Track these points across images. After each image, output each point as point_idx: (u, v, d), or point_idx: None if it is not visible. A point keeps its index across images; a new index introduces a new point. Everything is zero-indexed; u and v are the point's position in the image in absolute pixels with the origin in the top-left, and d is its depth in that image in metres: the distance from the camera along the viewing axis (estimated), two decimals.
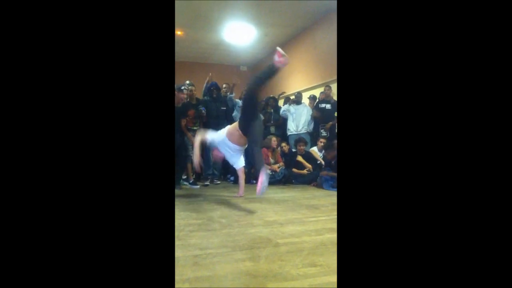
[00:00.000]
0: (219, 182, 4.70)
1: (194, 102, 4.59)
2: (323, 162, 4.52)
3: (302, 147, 4.63)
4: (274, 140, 4.66)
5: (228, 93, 4.92)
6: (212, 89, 4.67)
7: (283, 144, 4.93)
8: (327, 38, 6.41)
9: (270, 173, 4.55)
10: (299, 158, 4.55)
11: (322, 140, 4.82)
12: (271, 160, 4.70)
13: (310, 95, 5.80)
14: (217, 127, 4.12)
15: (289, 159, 4.75)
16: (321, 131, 5.12)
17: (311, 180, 4.38)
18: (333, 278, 1.26)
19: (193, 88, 4.61)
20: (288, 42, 7.68)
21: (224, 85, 5.06)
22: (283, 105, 5.76)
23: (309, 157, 4.61)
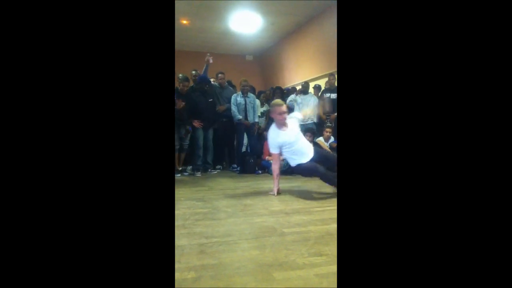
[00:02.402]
0: (215, 171, 4.69)
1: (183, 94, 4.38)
2: (331, 152, 4.48)
3: (309, 138, 4.59)
4: None
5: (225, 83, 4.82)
6: (202, 81, 4.49)
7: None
8: (334, 28, 6.30)
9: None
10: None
11: (328, 130, 4.77)
12: None
13: (315, 85, 5.74)
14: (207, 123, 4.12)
15: None
16: (326, 121, 5.06)
17: None
18: None
19: (187, 83, 4.42)
20: (295, 31, 7.58)
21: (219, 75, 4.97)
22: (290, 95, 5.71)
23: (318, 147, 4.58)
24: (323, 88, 5.51)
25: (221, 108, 4.77)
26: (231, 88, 5.19)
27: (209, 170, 4.64)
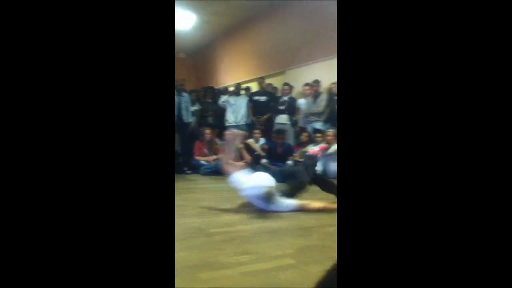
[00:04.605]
0: None
1: None
2: (262, 153, 4.60)
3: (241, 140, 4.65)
4: (207, 133, 4.63)
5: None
6: None
7: (228, 133, 4.89)
8: (268, 31, 6.49)
9: (206, 164, 4.53)
10: (242, 147, 4.57)
11: (256, 132, 4.90)
12: (206, 152, 4.66)
13: (245, 87, 5.85)
14: None
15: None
16: (256, 123, 5.18)
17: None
18: (265, 265, 1.28)
19: None
20: (229, 32, 7.62)
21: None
22: (222, 96, 5.72)
23: (247, 149, 4.65)
24: (252, 90, 5.64)
25: None
26: None
27: None
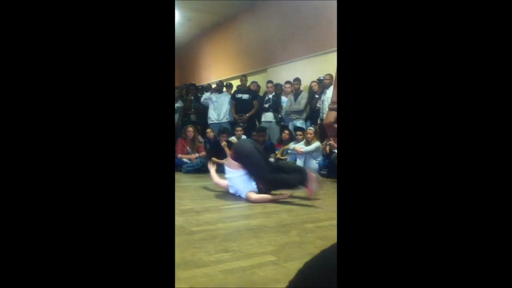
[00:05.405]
0: None
1: None
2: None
3: (225, 138, 4.65)
4: (190, 131, 4.61)
5: None
6: None
7: (208, 130, 4.90)
8: (251, 29, 6.49)
9: (188, 162, 4.51)
10: (224, 144, 4.57)
11: (239, 129, 4.91)
12: (189, 150, 4.64)
13: (227, 83, 5.83)
14: None
15: (211, 148, 4.74)
16: (239, 121, 5.19)
17: None
18: (245, 263, 1.30)
19: None
20: (212, 29, 7.58)
21: None
22: (205, 93, 5.69)
23: (230, 146, 4.66)
24: (234, 87, 5.63)
25: None
26: None
27: None
